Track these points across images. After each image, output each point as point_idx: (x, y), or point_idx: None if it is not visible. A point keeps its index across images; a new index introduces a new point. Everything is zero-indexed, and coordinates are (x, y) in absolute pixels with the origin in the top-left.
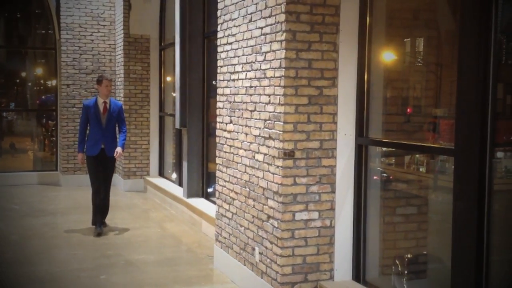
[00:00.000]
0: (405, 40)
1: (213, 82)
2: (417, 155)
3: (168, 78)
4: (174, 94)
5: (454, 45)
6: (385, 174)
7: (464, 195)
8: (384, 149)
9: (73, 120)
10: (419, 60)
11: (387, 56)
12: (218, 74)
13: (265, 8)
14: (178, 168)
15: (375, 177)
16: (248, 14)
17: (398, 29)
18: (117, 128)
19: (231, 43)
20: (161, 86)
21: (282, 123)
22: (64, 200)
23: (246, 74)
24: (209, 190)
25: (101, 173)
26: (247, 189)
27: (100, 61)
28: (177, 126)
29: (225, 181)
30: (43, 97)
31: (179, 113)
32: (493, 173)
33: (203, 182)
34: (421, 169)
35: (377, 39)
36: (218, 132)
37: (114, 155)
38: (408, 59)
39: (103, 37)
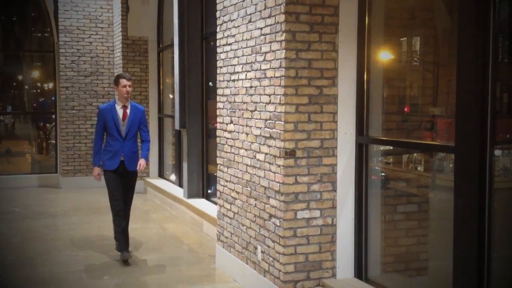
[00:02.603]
0: (404, 39)
1: (210, 83)
2: (417, 154)
3: (167, 80)
4: (171, 96)
5: (453, 44)
6: (385, 173)
7: (465, 192)
8: (384, 147)
9: (72, 123)
10: (418, 59)
11: (386, 55)
12: (217, 75)
13: (264, 9)
14: (178, 169)
15: (375, 176)
16: (248, 15)
17: (397, 29)
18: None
19: (230, 44)
20: (159, 87)
21: (283, 122)
22: (64, 202)
23: (246, 74)
24: (209, 191)
25: (121, 189)
26: (249, 188)
27: (98, 64)
28: (177, 127)
29: (226, 181)
30: (40, 100)
31: (178, 114)
32: (493, 170)
33: (203, 183)
34: (419, 168)
35: (376, 39)
36: (218, 133)
37: (137, 168)
38: (407, 58)
39: (101, 39)
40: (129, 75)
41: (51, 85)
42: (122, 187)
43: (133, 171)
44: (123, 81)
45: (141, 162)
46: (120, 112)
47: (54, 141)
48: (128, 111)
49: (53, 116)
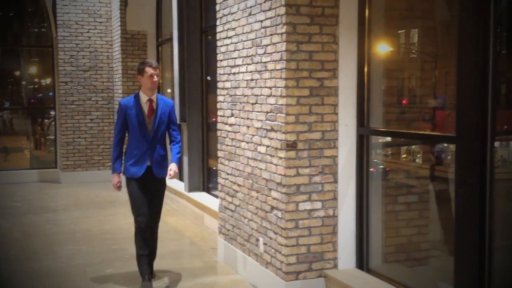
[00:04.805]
0: (404, 31)
1: (208, 78)
2: (417, 145)
3: (166, 74)
4: (169, 91)
5: (453, 36)
6: (386, 164)
7: (466, 182)
8: (385, 138)
9: (71, 117)
10: (419, 51)
11: (387, 47)
12: (218, 68)
13: (264, 2)
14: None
15: (376, 167)
16: (248, 8)
17: (397, 20)
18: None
19: (230, 37)
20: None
21: (284, 115)
22: (64, 197)
23: (246, 67)
24: (210, 184)
25: (147, 201)
26: (250, 181)
27: (97, 58)
28: (177, 121)
29: (228, 173)
30: (38, 95)
31: (178, 108)
32: (494, 160)
33: (204, 176)
34: (417, 160)
35: (377, 31)
36: (219, 126)
37: (168, 175)
38: (407, 50)
39: (100, 33)
40: (155, 62)
41: (49, 80)
42: (148, 199)
43: (162, 178)
44: (149, 70)
45: (172, 167)
46: (145, 106)
47: (52, 136)
48: (154, 105)
49: (52, 111)
